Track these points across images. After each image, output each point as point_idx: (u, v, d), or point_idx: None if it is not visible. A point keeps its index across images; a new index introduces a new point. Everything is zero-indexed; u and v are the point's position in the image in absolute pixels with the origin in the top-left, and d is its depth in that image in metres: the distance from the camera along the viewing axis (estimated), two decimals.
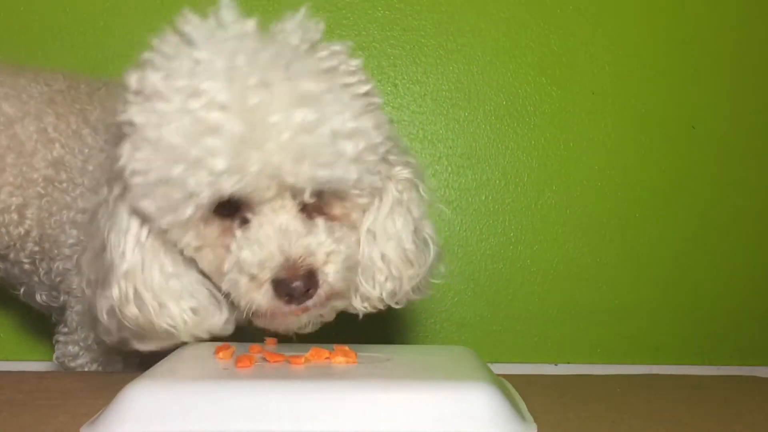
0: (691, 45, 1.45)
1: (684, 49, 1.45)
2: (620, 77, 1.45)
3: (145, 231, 0.80)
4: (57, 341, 1.04)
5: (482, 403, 0.66)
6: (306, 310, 0.78)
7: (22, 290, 1.10)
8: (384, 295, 0.88)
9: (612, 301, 1.45)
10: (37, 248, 1.03)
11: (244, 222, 0.78)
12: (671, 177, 1.46)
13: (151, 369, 0.74)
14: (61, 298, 1.04)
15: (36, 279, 1.06)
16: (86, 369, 1.03)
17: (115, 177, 0.80)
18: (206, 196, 0.73)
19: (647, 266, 1.46)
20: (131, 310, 0.80)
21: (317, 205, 0.80)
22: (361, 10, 1.42)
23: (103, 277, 0.82)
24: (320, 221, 0.79)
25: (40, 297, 1.08)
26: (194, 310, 0.82)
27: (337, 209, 0.82)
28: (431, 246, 0.89)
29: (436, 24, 1.43)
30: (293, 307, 0.77)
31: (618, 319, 1.45)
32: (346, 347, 0.79)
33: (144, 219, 0.79)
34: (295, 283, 0.75)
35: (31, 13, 1.37)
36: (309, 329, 0.83)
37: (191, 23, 0.76)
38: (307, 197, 0.76)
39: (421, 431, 0.64)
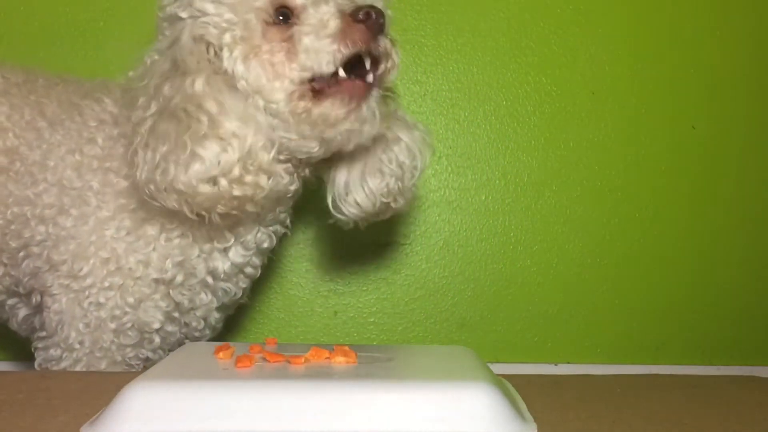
0: (691, 45, 1.45)
1: (684, 49, 1.45)
2: (620, 77, 1.45)
3: (205, 61, 0.89)
4: (36, 348, 1.01)
5: (482, 403, 0.66)
6: (370, 87, 0.92)
7: None
8: (391, 182, 1.00)
9: (612, 301, 1.45)
10: None
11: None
12: (671, 177, 1.46)
13: (151, 369, 0.74)
14: (33, 300, 1.02)
15: None
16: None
17: None
18: None
19: (647, 266, 1.46)
20: (238, 131, 0.87)
21: None
22: None
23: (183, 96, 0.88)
24: None
25: None
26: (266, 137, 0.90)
27: None
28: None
29: (436, 24, 1.43)
30: (364, 82, 0.91)
31: (618, 319, 1.45)
32: (346, 347, 0.79)
33: (210, 40, 0.89)
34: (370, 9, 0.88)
35: (31, 13, 1.37)
36: (356, 125, 0.91)
37: None
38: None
39: (421, 431, 0.64)
